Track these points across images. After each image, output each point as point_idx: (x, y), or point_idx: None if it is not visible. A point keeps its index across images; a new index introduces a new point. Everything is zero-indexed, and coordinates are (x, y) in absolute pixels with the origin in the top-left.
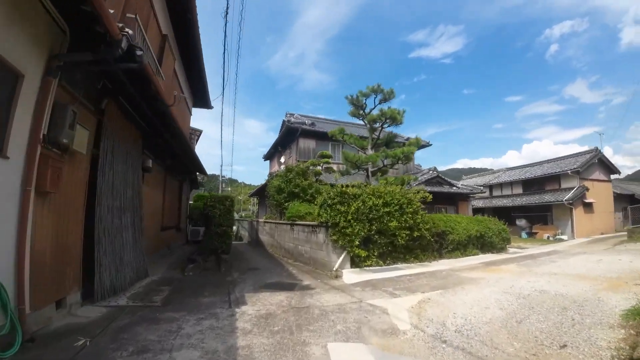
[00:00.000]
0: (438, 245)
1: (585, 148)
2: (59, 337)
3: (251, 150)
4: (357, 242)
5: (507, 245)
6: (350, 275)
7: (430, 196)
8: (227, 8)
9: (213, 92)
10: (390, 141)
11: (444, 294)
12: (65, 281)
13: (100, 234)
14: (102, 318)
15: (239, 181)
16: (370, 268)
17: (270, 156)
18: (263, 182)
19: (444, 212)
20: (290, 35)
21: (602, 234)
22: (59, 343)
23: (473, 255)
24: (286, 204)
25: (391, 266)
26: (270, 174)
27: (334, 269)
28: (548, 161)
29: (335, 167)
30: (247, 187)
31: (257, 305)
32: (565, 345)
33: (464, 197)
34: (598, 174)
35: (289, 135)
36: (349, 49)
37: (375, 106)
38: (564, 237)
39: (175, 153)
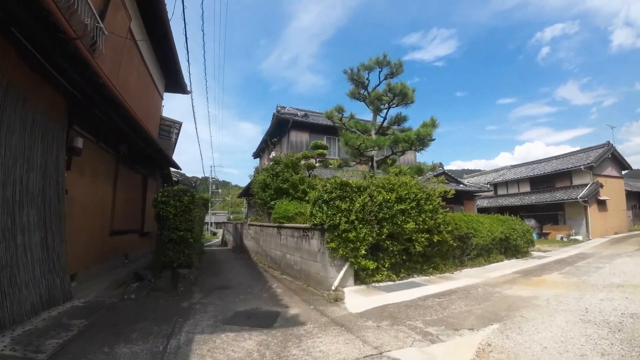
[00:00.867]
0: (459, 251)
1: (590, 144)
2: None
3: (245, 152)
4: (363, 251)
5: (531, 249)
6: (356, 298)
7: (453, 191)
8: None
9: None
10: (400, 123)
11: (503, 330)
12: None
13: None
14: None
15: (233, 184)
16: (381, 284)
17: (259, 153)
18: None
19: (450, 211)
20: (284, 38)
21: (615, 233)
22: None
23: (498, 261)
24: (272, 203)
25: (406, 280)
26: (256, 169)
27: (333, 287)
28: (557, 157)
29: (331, 162)
30: (238, 189)
31: None
32: None
33: (470, 195)
34: (610, 170)
35: (279, 128)
36: (342, 52)
37: (380, 82)
38: (579, 237)
39: (130, 137)
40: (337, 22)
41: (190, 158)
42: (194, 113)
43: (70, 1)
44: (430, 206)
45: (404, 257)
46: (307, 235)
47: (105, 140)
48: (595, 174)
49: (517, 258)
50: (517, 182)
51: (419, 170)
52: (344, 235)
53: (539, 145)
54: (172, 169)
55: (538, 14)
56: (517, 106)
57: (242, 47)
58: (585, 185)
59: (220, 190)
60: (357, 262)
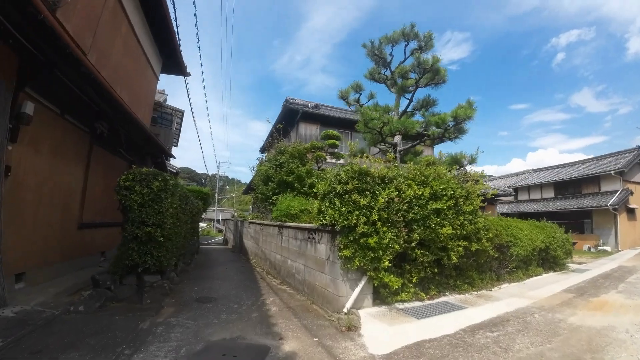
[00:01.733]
0: (497, 263)
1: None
2: None
3: (256, 151)
4: (386, 262)
5: (568, 260)
6: (377, 327)
7: (495, 190)
8: None
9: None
10: (428, 108)
11: None
12: None
13: None
14: None
15: (242, 181)
16: (407, 306)
17: (266, 148)
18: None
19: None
20: (297, 39)
21: None
22: None
23: (537, 275)
24: (274, 198)
25: (437, 300)
26: (260, 161)
27: (345, 309)
28: (583, 161)
29: (344, 156)
30: (245, 186)
31: None
32: None
33: (492, 199)
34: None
35: (287, 120)
36: (356, 54)
37: (405, 58)
38: (607, 248)
39: (108, 114)
40: (351, 23)
41: (201, 156)
42: (207, 108)
43: None
44: (470, 207)
45: (435, 270)
46: (313, 238)
47: (73, 113)
48: (625, 179)
49: (555, 271)
50: (540, 186)
51: (455, 161)
52: (362, 240)
53: (553, 152)
54: (173, 165)
55: (553, 20)
56: (530, 112)
57: (255, 48)
58: (615, 192)
59: (227, 187)
60: (379, 277)
